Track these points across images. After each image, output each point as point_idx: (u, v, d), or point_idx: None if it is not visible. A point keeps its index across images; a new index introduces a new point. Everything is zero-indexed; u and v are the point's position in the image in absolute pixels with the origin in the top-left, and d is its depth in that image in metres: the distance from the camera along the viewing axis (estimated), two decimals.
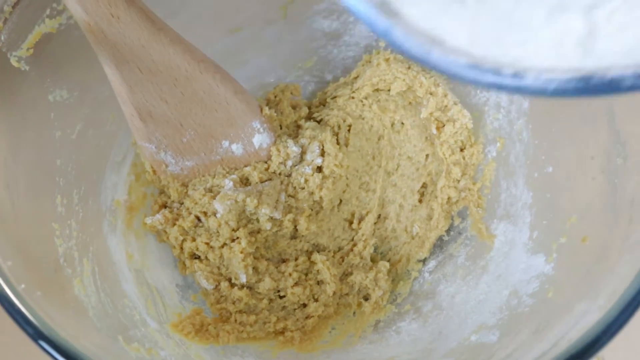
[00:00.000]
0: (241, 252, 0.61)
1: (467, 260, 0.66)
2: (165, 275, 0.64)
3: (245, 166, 0.65)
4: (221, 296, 0.63)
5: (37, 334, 0.42)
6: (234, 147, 0.64)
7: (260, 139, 0.64)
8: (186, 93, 0.59)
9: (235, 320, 0.61)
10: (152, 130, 0.59)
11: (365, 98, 0.73)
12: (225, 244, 0.62)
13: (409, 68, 0.71)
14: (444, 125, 0.69)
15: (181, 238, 0.63)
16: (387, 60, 0.71)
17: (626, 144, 0.50)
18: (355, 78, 0.74)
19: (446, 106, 0.70)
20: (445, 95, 0.69)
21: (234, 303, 0.62)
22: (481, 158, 0.69)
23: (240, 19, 0.70)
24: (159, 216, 0.63)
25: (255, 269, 0.62)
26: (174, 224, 0.63)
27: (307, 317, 0.63)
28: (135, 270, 0.61)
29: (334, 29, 0.73)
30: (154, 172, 0.63)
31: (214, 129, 0.62)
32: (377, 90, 0.73)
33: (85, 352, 0.42)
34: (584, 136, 0.56)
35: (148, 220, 0.62)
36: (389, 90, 0.72)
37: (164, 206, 0.65)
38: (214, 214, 0.61)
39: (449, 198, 0.68)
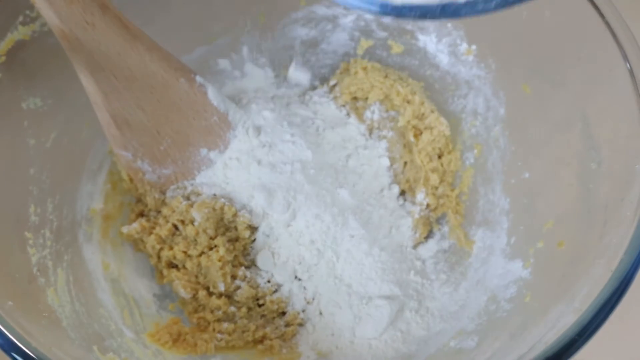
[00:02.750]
0: (219, 261, 0.60)
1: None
2: (142, 285, 0.63)
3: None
4: (199, 305, 0.62)
5: (8, 345, 0.41)
6: (212, 154, 0.63)
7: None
8: (163, 101, 0.58)
9: (214, 329, 0.61)
10: (128, 138, 0.59)
11: (343, 106, 0.73)
12: (203, 252, 0.61)
13: (385, 77, 0.72)
14: (421, 133, 0.70)
15: (158, 247, 0.62)
16: (364, 68, 0.72)
17: (600, 149, 0.51)
18: (333, 86, 0.74)
19: (423, 114, 0.70)
20: (422, 103, 0.70)
21: (212, 312, 0.61)
22: (459, 165, 0.69)
23: (218, 27, 0.70)
24: (135, 225, 0.62)
25: (233, 277, 0.62)
26: (151, 233, 0.62)
27: (287, 325, 0.62)
28: (112, 280, 0.60)
29: (312, 37, 0.73)
30: (131, 180, 0.63)
31: (192, 137, 0.62)
32: (354, 98, 0.73)
33: None
34: (559, 142, 0.57)
35: (124, 229, 0.62)
36: (366, 98, 0.73)
37: (141, 215, 0.65)
38: (192, 222, 0.61)
39: (427, 205, 0.69)
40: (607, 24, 0.51)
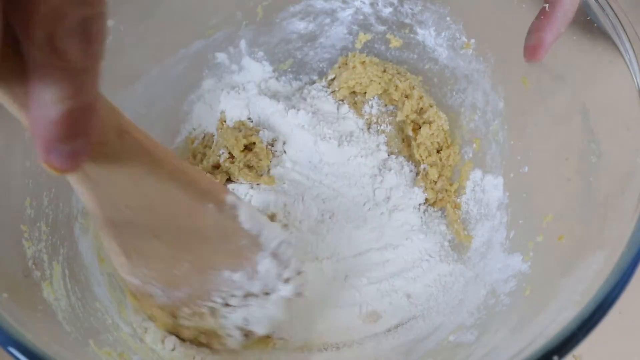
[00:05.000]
0: None
1: None
2: None
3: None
4: None
5: (4, 339, 0.41)
6: (235, 276, 0.52)
7: (268, 265, 0.52)
8: (185, 228, 0.48)
9: None
10: (137, 266, 0.49)
11: (341, 100, 0.73)
12: None
13: (384, 71, 0.71)
14: (420, 127, 0.69)
15: None
16: (362, 63, 0.72)
17: (600, 142, 0.51)
18: (332, 80, 0.74)
19: (422, 108, 0.70)
20: (421, 98, 0.70)
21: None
22: (458, 159, 0.69)
23: (215, 20, 0.69)
24: None
25: None
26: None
27: None
28: (108, 274, 0.59)
29: (310, 31, 0.73)
30: (138, 300, 0.54)
31: (214, 261, 0.51)
32: (353, 92, 0.73)
33: (55, 357, 0.41)
34: (559, 135, 0.57)
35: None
36: (365, 93, 0.72)
37: None
38: None
39: (426, 200, 0.68)
40: (608, 16, 0.51)
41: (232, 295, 0.52)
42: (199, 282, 0.51)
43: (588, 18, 0.52)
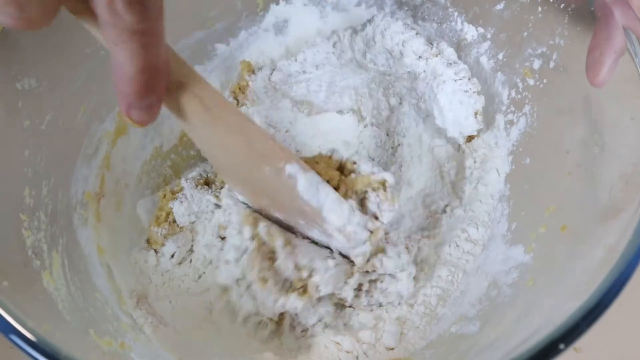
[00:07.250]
0: None
1: None
2: None
3: None
4: None
5: (7, 327, 0.40)
6: (312, 232, 0.53)
7: (338, 238, 0.52)
8: (250, 177, 0.52)
9: None
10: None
11: None
12: None
13: None
14: None
15: None
16: None
17: (603, 132, 0.51)
18: None
19: None
20: None
21: None
22: None
23: (215, 11, 0.69)
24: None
25: None
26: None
27: None
28: (107, 265, 0.59)
29: None
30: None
31: (285, 211, 0.53)
32: None
33: (57, 345, 0.40)
34: (562, 127, 0.57)
35: None
36: None
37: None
38: None
39: None
40: (611, 7, 0.51)
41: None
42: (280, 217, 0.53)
43: (592, 9, 0.52)
